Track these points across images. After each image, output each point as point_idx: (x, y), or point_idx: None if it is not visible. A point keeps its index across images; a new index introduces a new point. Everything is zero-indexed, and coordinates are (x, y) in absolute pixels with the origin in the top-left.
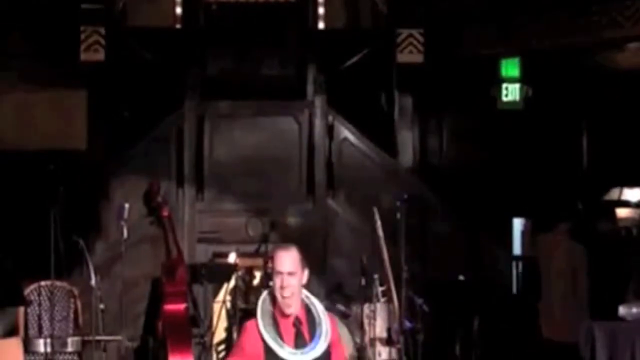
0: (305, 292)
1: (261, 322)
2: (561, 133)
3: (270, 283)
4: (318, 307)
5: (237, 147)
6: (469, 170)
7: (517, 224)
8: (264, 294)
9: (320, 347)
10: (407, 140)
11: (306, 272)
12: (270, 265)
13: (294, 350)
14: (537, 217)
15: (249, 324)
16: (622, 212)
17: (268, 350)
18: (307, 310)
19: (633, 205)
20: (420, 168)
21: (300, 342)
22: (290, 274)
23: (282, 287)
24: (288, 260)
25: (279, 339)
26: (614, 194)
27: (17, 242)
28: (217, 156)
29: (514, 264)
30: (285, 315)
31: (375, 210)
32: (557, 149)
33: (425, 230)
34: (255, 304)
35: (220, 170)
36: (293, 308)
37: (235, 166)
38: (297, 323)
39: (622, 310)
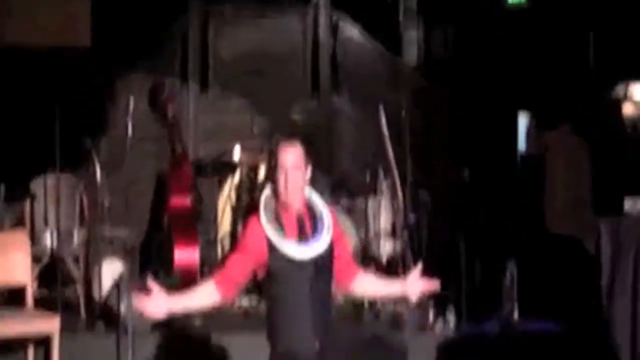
0: (307, 188)
1: (264, 217)
2: (568, 30)
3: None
4: (320, 202)
5: (241, 47)
6: (473, 67)
7: (522, 120)
8: (267, 189)
9: (323, 242)
10: (412, 39)
11: (309, 168)
12: (274, 160)
13: (298, 246)
14: (543, 113)
15: (252, 220)
16: (628, 108)
17: (271, 245)
18: (310, 206)
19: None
20: (425, 66)
21: (303, 237)
22: (293, 169)
23: (285, 182)
24: (292, 155)
25: (282, 234)
26: (620, 90)
27: (23, 138)
28: (222, 55)
29: (518, 159)
30: (288, 211)
31: (380, 107)
32: (563, 46)
33: (429, 127)
34: (260, 198)
35: (225, 69)
36: (296, 202)
37: (240, 65)
38: (300, 218)
39: (627, 204)
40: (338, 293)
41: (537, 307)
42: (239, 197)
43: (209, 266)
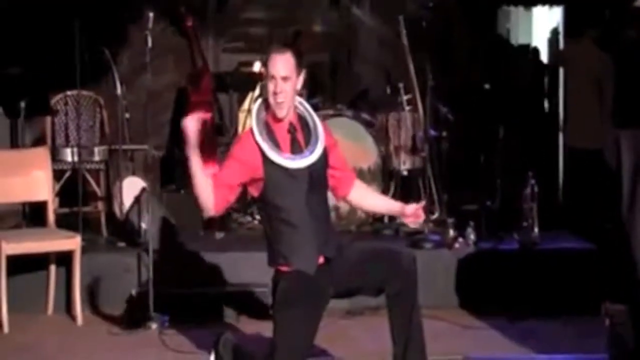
0: (298, 98)
1: (257, 129)
2: None
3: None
4: (311, 112)
5: None
6: None
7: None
8: (258, 102)
9: (316, 152)
10: None
11: (301, 77)
12: (265, 70)
13: (291, 156)
14: (564, 25)
15: (244, 134)
16: None
17: (265, 158)
18: (301, 117)
19: None
20: None
21: (296, 149)
22: (284, 78)
23: (275, 93)
24: (282, 64)
25: (275, 145)
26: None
27: (43, 53)
28: None
29: (540, 72)
30: (278, 121)
31: (401, 18)
32: None
33: (449, 39)
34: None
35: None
36: (285, 112)
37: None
38: (291, 130)
39: None
40: (337, 201)
41: (558, 223)
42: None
43: None
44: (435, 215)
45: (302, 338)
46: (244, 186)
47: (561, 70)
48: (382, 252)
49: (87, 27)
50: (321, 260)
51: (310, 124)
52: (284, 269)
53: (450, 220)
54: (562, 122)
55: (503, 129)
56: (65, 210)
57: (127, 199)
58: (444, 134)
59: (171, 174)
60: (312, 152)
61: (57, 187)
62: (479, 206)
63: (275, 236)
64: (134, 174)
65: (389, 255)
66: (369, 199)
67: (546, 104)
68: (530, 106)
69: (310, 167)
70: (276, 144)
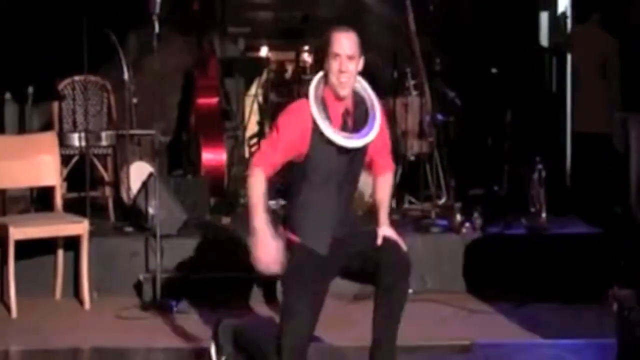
0: (359, 78)
1: (313, 102)
2: None
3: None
4: (370, 93)
5: None
6: None
7: (544, 17)
8: (317, 77)
9: (370, 135)
10: None
11: (362, 60)
12: (327, 47)
13: (345, 134)
14: (571, 8)
15: (299, 102)
16: None
17: (315, 132)
18: (357, 99)
19: None
20: None
21: (346, 129)
22: (349, 57)
23: (340, 71)
24: (348, 42)
25: (328, 120)
26: None
27: (49, 38)
28: None
29: (546, 56)
30: (335, 100)
31: (408, 2)
32: None
33: (456, 22)
34: (287, 97)
35: None
36: (347, 91)
37: None
38: (345, 113)
39: None
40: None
41: (565, 207)
42: (266, 95)
43: (236, 166)
44: (443, 200)
45: (307, 315)
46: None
47: (568, 55)
48: (387, 246)
49: (94, 11)
50: (331, 240)
51: (368, 104)
52: (293, 238)
53: (457, 205)
54: (569, 107)
55: (510, 114)
56: (73, 195)
57: (135, 184)
58: (451, 118)
59: (178, 159)
60: (366, 134)
61: (65, 172)
62: (486, 191)
63: (299, 206)
64: (141, 158)
65: (391, 250)
66: (378, 194)
67: (554, 88)
68: (537, 90)
69: (355, 149)
70: (329, 120)
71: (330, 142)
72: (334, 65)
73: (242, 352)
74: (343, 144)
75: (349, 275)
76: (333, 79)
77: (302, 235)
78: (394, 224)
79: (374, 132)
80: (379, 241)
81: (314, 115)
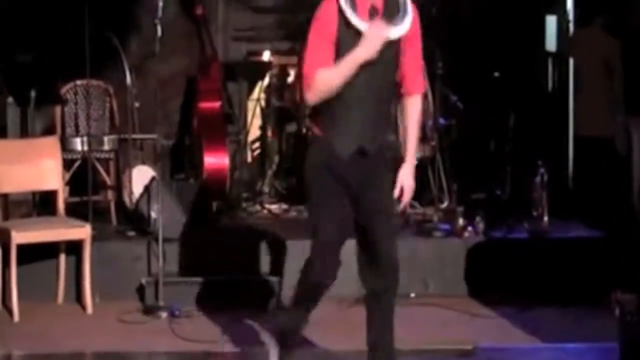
0: None
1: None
2: None
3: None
4: None
5: None
6: None
7: (551, 20)
8: None
9: (397, 30)
10: None
11: None
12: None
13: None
14: (573, 11)
15: (326, 1)
16: None
17: (342, 22)
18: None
19: None
20: None
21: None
22: None
23: None
24: None
25: (355, 12)
26: None
27: (52, 41)
28: None
29: (548, 60)
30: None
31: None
32: None
33: (458, 25)
34: (290, 101)
35: None
36: None
37: None
38: (372, 11)
39: None
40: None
41: (567, 211)
42: (268, 100)
43: (239, 170)
44: (445, 204)
45: (330, 227)
46: None
47: (571, 58)
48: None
49: (96, 15)
50: (358, 149)
51: (400, 1)
52: (317, 132)
53: (459, 209)
54: (572, 110)
55: (513, 117)
56: (75, 199)
57: (137, 188)
58: (454, 122)
59: (181, 163)
60: (392, 27)
61: (67, 176)
62: (488, 195)
63: (326, 103)
64: (143, 163)
65: (386, 248)
66: (405, 120)
67: (556, 91)
68: (539, 94)
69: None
70: (356, 12)
71: (357, 33)
72: None
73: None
74: (362, 28)
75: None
76: None
77: (327, 130)
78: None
79: (402, 29)
80: (396, 192)
81: (341, 4)
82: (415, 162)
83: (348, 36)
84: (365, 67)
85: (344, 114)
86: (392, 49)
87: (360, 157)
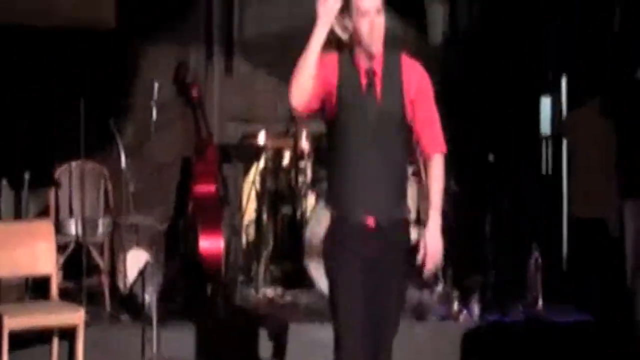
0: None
1: (342, 53)
2: (594, 5)
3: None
4: (395, 57)
5: (267, 24)
6: (498, 47)
7: (545, 102)
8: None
9: (393, 87)
10: (437, 17)
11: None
12: (351, 4)
13: (365, 94)
14: (567, 94)
15: (330, 54)
16: None
17: (341, 76)
18: (386, 59)
19: None
20: (450, 45)
21: (371, 90)
22: (378, 11)
23: (371, 27)
24: None
25: (356, 75)
26: None
27: (47, 123)
28: (247, 33)
29: (543, 143)
30: (364, 61)
31: None
32: (588, 24)
33: (453, 108)
34: (285, 184)
35: (250, 47)
36: (380, 48)
37: (266, 44)
38: (370, 73)
39: None
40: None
41: (562, 294)
42: (263, 182)
43: (234, 254)
44: (440, 287)
45: (351, 304)
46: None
47: (564, 140)
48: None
49: (92, 97)
50: (371, 222)
51: (392, 62)
52: (332, 211)
53: (454, 292)
54: (566, 192)
55: (507, 200)
56: (69, 283)
57: (131, 272)
58: (449, 205)
59: (176, 247)
60: (387, 92)
61: (61, 260)
62: (483, 277)
63: (333, 170)
64: (138, 246)
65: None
66: (429, 181)
67: (550, 174)
68: (534, 176)
69: (383, 105)
70: (356, 70)
71: (356, 83)
72: (363, 23)
73: None
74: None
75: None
76: (364, 37)
77: (336, 202)
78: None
79: (394, 88)
80: (420, 257)
81: (340, 58)
82: (440, 222)
83: (347, 87)
84: (368, 125)
85: (350, 183)
86: (396, 111)
87: (374, 230)
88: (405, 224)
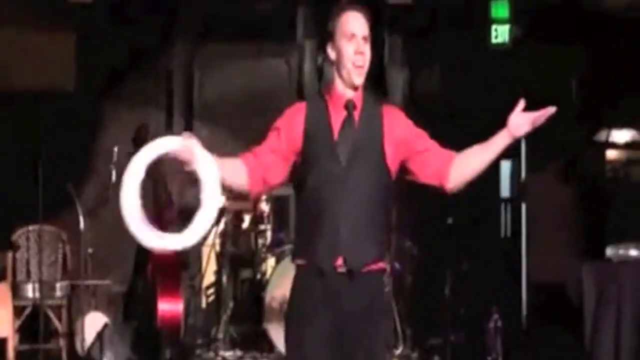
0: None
1: (310, 99)
2: (550, 74)
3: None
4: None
5: (227, 88)
6: (458, 110)
7: (505, 165)
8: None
9: (366, 130)
10: (397, 80)
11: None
12: (333, 27)
13: (336, 139)
14: (526, 158)
15: (296, 104)
16: (610, 154)
17: (308, 126)
18: (366, 102)
19: (621, 147)
20: (411, 107)
21: (349, 125)
22: (365, 38)
23: (356, 53)
24: (363, 21)
25: (324, 118)
26: (602, 135)
27: (4, 186)
28: (207, 97)
29: (502, 206)
30: (338, 96)
31: None
32: (546, 90)
33: None
34: (245, 247)
35: (210, 111)
36: (363, 79)
37: (225, 108)
38: (349, 105)
39: (609, 251)
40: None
41: (521, 357)
42: (223, 245)
43: (193, 316)
44: (400, 350)
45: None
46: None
47: (524, 204)
48: None
49: (51, 160)
50: (340, 262)
51: (378, 106)
52: (300, 262)
53: (414, 355)
54: (525, 256)
55: (467, 263)
56: (26, 346)
57: (89, 335)
58: (408, 267)
59: (134, 309)
60: (362, 129)
61: (18, 323)
62: (443, 340)
63: (300, 222)
64: (96, 309)
65: None
66: (472, 164)
67: (510, 237)
68: (493, 239)
69: (355, 145)
70: (326, 116)
71: (325, 138)
72: (348, 48)
73: None
74: (328, 136)
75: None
76: (347, 65)
77: (304, 251)
78: None
79: (366, 127)
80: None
81: (308, 108)
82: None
83: (313, 139)
84: (338, 170)
85: (321, 230)
86: (374, 151)
87: (347, 277)
88: (381, 274)
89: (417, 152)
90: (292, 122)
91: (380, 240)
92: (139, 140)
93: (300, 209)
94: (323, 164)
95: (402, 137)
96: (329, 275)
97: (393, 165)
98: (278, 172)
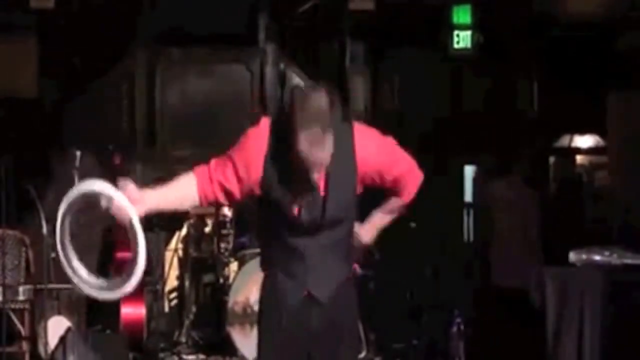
0: None
1: (274, 130)
2: (512, 80)
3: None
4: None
5: (189, 95)
6: (419, 116)
7: (469, 170)
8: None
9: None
10: (358, 87)
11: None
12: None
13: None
14: (489, 164)
15: (261, 124)
16: (573, 159)
17: (271, 152)
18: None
19: (583, 152)
20: (372, 114)
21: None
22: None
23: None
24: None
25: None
26: (564, 141)
27: None
28: (169, 103)
29: (465, 211)
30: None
31: None
32: (507, 96)
33: None
34: (207, 252)
35: (172, 117)
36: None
37: (187, 114)
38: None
39: (572, 256)
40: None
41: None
42: (186, 249)
43: (155, 320)
44: (363, 354)
45: None
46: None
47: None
48: None
49: (13, 165)
50: (306, 293)
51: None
52: (267, 273)
53: (377, 359)
54: (487, 261)
55: (429, 267)
56: None
57: (53, 339)
58: (371, 272)
59: (98, 313)
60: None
61: None
62: (406, 344)
63: (262, 239)
64: (59, 313)
65: None
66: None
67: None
68: (456, 244)
69: (321, 202)
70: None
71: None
72: (304, 142)
73: None
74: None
75: None
76: (305, 155)
77: (272, 280)
78: None
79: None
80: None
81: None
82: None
83: (274, 166)
84: (300, 202)
85: (285, 258)
86: (345, 196)
87: (311, 306)
88: (349, 282)
89: (389, 180)
90: (251, 155)
91: (347, 262)
92: (100, 148)
93: (261, 225)
94: (284, 217)
95: (375, 168)
96: (296, 302)
97: (360, 190)
98: (231, 195)
